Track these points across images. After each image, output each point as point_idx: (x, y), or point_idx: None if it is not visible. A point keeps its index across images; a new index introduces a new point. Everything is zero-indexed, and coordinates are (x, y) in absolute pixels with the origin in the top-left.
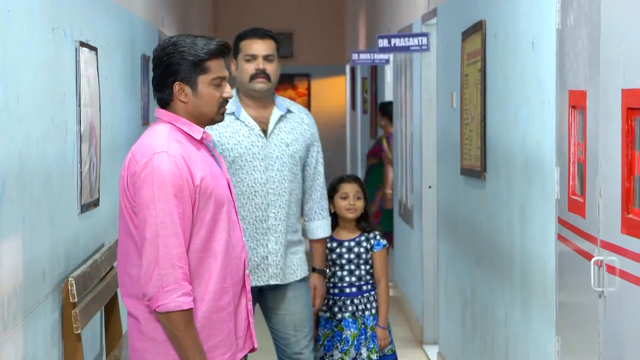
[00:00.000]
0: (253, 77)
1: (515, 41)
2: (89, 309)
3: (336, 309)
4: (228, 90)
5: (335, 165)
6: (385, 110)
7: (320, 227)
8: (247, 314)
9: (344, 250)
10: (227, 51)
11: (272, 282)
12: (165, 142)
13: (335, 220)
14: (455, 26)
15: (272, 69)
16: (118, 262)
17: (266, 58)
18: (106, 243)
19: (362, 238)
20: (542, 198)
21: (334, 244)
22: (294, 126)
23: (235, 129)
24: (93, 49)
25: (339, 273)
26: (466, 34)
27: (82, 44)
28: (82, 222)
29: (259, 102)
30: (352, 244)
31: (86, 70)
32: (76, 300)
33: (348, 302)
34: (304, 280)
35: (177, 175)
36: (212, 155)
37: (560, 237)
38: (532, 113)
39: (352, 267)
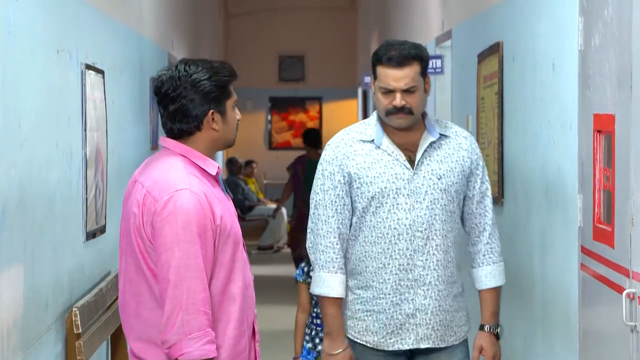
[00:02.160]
0: (389, 113)
1: (534, 63)
2: (94, 339)
3: (317, 340)
4: (239, 113)
5: None
6: (308, 139)
7: (491, 274)
8: (255, 356)
9: None
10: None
11: (422, 346)
12: (184, 177)
13: None
14: (470, 48)
15: (414, 101)
16: (123, 302)
17: (406, 91)
18: (112, 271)
19: None
20: (564, 225)
21: None
22: (449, 153)
23: (376, 159)
24: (100, 71)
25: None
26: (482, 56)
27: (88, 67)
28: (88, 250)
29: (406, 127)
30: None
31: (92, 94)
32: (80, 331)
33: None
34: (465, 342)
35: (201, 214)
36: (223, 190)
37: (583, 267)
38: (552, 137)
39: None
